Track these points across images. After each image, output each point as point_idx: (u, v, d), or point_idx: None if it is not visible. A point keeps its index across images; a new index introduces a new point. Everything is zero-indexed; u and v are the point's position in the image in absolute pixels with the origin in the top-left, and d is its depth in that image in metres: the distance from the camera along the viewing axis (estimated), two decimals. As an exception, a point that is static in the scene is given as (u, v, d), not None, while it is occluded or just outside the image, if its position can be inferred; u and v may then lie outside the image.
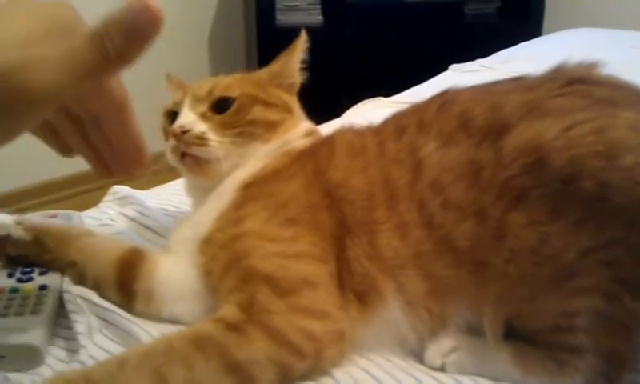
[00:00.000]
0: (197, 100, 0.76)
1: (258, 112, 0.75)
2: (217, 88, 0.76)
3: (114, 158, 0.52)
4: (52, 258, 0.73)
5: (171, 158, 0.76)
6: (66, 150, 0.54)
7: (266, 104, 0.77)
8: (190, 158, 0.74)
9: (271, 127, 0.76)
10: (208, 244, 0.69)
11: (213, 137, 0.73)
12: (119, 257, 0.72)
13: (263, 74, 0.82)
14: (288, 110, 0.79)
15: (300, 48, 0.81)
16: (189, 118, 0.73)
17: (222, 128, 0.74)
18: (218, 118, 0.74)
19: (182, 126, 0.72)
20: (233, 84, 0.77)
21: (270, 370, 0.57)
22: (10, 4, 0.41)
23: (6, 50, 0.38)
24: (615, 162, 0.56)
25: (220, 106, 0.75)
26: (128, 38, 0.41)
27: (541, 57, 1.47)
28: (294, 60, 0.81)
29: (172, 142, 0.74)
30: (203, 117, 0.74)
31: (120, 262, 0.71)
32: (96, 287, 0.71)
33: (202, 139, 0.72)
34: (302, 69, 0.82)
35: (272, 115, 0.77)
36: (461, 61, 1.75)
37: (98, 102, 0.47)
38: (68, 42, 0.40)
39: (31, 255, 0.74)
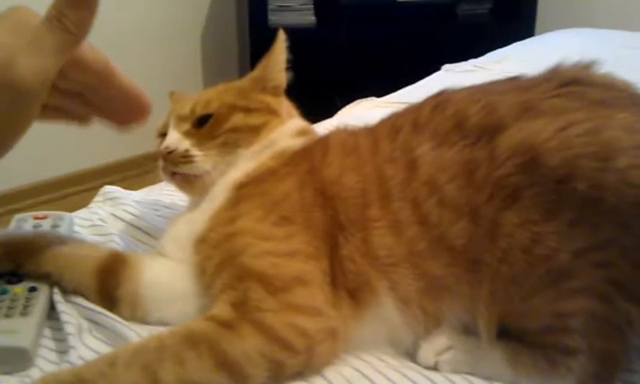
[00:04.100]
0: (181, 119, 0.77)
1: (238, 119, 0.76)
2: (198, 105, 0.77)
3: (115, 108, 0.59)
4: (27, 270, 0.71)
5: (163, 178, 0.78)
6: (83, 121, 0.62)
7: (247, 110, 0.77)
8: (179, 176, 0.76)
9: (254, 131, 0.76)
10: (202, 243, 0.69)
11: (197, 152, 0.74)
12: (98, 264, 0.70)
13: (245, 81, 0.82)
14: (272, 112, 0.79)
15: (279, 49, 0.81)
16: (173, 138, 0.75)
17: (205, 141, 0.75)
18: (200, 133, 0.75)
19: (167, 147, 0.74)
20: (213, 98, 0.78)
21: (261, 367, 0.57)
22: None
23: None
24: (609, 163, 0.56)
25: (202, 122, 0.76)
26: (79, 8, 0.50)
27: (533, 57, 1.47)
28: (276, 61, 0.81)
29: (161, 162, 0.75)
30: (187, 134, 0.76)
31: (99, 270, 0.70)
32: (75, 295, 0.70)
33: (186, 157, 0.74)
34: (287, 68, 0.82)
35: (253, 120, 0.77)
36: (453, 61, 1.75)
37: (83, 73, 0.56)
38: (29, 34, 0.50)
39: (6, 270, 0.71)
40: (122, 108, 0.59)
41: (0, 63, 0.48)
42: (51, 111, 0.59)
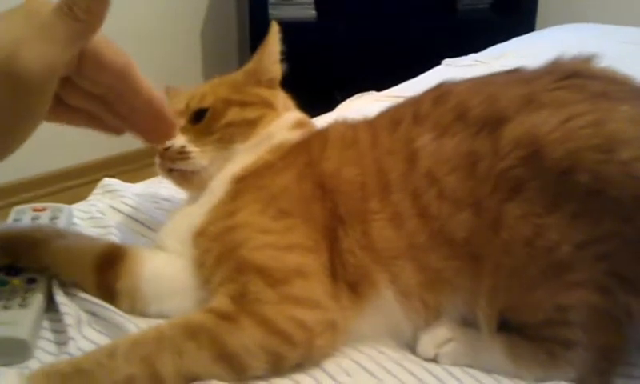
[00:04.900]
0: (176, 115, 0.76)
1: (233, 114, 0.76)
2: (193, 100, 0.77)
3: (137, 117, 0.57)
4: (25, 264, 0.70)
5: (160, 174, 0.78)
6: (108, 128, 0.59)
7: (243, 104, 0.77)
8: (176, 172, 0.75)
9: (251, 125, 0.76)
10: (201, 236, 0.68)
11: (193, 148, 0.74)
12: (97, 257, 0.70)
13: (240, 74, 0.82)
14: (268, 105, 0.79)
15: (272, 40, 0.81)
16: None
17: (201, 137, 0.75)
18: (196, 128, 0.75)
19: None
20: (207, 93, 0.77)
21: (261, 359, 0.57)
22: None
23: None
24: (612, 155, 0.56)
25: (197, 117, 0.76)
26: None
27: (533, 52, 1.46)
28: (270, 53, 0.80)
29: (158, 159, 0.75)
30: (183, 130, 0.75)
31: (98, 263, 0.69)
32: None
33: (183, 153, 0.74)
34: (282, 60, 0.81)
35: (249, 114, 0.77)
36: (454, 56, 1.74)
37: (101, 72, 0.53)
38: (37, 23, 0.47)
39: (3, 264, 0.70)
40: (146, 120, 0.56)
41: (5, 53, 0.46)
42: (78, 114, 0.57)
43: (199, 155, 0.74)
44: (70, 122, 0.58)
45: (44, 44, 0.47)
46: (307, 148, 0.73)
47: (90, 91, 0.55)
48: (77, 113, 0.57)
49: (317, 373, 0.59)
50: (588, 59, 0.70)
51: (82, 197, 0.95)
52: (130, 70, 0.54)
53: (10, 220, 0.81)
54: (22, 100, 0.48)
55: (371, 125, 0.74)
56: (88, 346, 0.61)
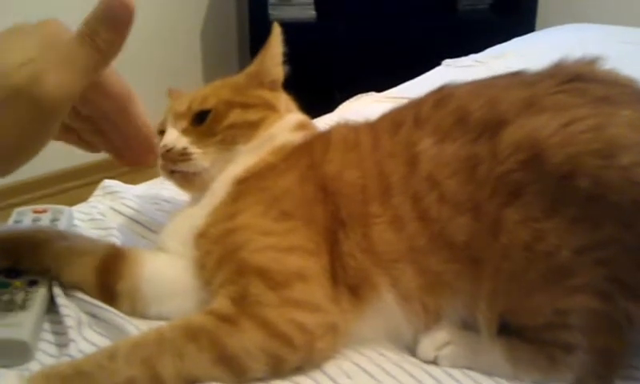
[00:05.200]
0: (178, 117, 0.77)
1: (235, 116, 0.76)
2: (194, 102, 0.77)
3: (127, 147, 0.58)
4: (26, 266, 0.70)
5: (162, 175, 0.78)
6: (91, 148, 0.61)
7: (245, 106, 0.77)
8: (178, 173, 0.75)
9: (253, 127, 0.76)
10: (202, 238, 0.68)
11: (195, 150, 0.74)
12: (98, 259, 0.70)
13: (242, 76, 0.82)
14: (270, 107, 0.79)
15: (275, 42, 0.81)
16: (171, 136, 0.75)
17: (203, 139, 0.75)
18: (198, 130, 0.75)
19: (164, 145, 0.74)
20: (209, 95, 0.77)
21: (261, 361, 0.57)
22: (6, 33, 0.50)
23: (17, 70, 0.46)
24: (612, 160, 0.56)
25: (200, 119, 0.76)
26: (111, 28, 0.49)
27: (534, 52, 1.47)
28: (272, 56, 0.80)
29: (160, 161, 0.75)
30: (185, 132, 0.75)
31: (99, 265, 0.69)
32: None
33: (184, 154, 0.74)
34: (284, 62, 0.81)
35: (251, 116, 0.77)
36: (454, 56, 1.74)
37: (104, 99, 0.54)
38: (60, 49, 0.48)
39: (4, 266, 0.70)
40: (135, 147, 0.58)
41: (27, 79, 0.47)
42: (68, 133, 0.58)
43: (201, 157, 0.74)
44: (60, 138, 0.59)
45: (67, 72, 0.48)
46: (309, 150, 0.74)
47: (84, 114, 0.56)
48: (67, 133, 0.59)
49: (317, 375, 0.59)
50: (591, 62, 0.69)
51: (82, 198, 0.95)
52: (130, 101, 0.55)
53: (10, 222, 0.81)
54: (38, 122, 0.49)
55: (373, 127, 0.74)
56: (89, 348, 0.61)
